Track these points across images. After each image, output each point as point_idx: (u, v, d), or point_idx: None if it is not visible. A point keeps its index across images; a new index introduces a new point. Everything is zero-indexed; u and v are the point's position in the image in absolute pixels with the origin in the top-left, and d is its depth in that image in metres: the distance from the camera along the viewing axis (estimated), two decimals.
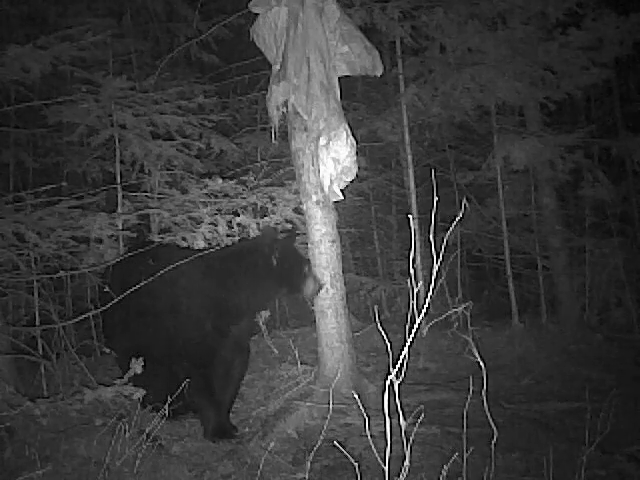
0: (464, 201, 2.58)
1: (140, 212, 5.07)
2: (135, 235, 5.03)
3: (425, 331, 5.89)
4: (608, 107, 8.60)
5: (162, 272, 3.74)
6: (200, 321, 3.87)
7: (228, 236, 5.19)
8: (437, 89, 6.56)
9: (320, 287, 4.22)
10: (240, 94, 7.45)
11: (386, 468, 2.04)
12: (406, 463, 2.07)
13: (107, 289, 3.97)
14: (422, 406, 3.37)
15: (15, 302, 4.94)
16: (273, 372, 4.97)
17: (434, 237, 2.22)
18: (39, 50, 4.03)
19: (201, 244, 4.99)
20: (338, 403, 4.03)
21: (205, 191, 5.10)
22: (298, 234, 4.83)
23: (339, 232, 4.60)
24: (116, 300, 3.70)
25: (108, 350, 4.56)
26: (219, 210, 5.15)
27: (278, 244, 4.02)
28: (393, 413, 2.00)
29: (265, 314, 5.42)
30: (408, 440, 2.03)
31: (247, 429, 4.03)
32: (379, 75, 4.68)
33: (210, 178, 5.19)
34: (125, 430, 3.27)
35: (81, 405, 3.53)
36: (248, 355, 4.24)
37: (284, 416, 4.00)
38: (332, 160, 4.25)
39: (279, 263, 3.97)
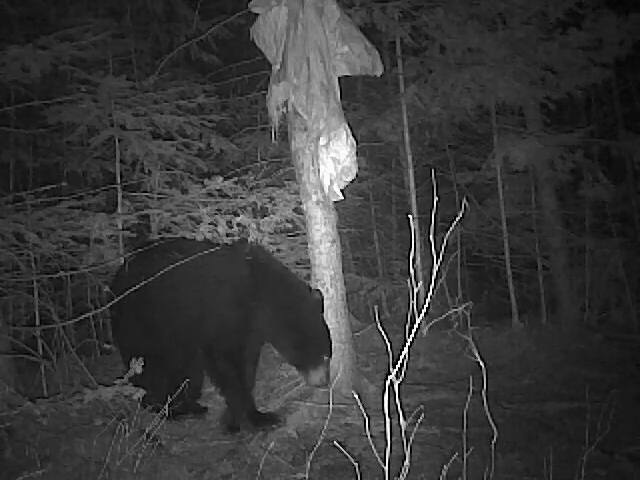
0: (464, 201, 2.57)
1: (140, 212, 5.07)
2: (135, 235, 5.03)
3: (425, 331, 5.89)
4: (608, 107, 8.59)
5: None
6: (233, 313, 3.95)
7: (228, 236, 5.19)
8: (437, 89, 6.56)
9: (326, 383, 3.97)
10: (240, 94, 7.44)
11: (386, 468, 2.04)
12: (406, 463, 2.07)
13: (107, 289, 3.96)
14: (422, 406, 3.37)
15: (15, 302, 4.94)
16: (273, 372, 4.97)
17: (434, 237, 2.21)
18: (39, 50, 4.03)
19: None
20: (338, 403, 4.03)
21: (205, 191, 5.11)
22: None
23: (339, 232, 4.60)
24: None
25: (109, 346, 4.56)
26: (219, 210, 5.15)
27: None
28: (393, 413, 1.99)
29: None
30: (408, 440, 2.02)
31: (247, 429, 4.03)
32: (379, 75, 4.68)
33: (210, 178, 5.20)
34: (125, 430, 3.26)
35: (81, 405, 3.53)
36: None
37: (284, 416, 4.00)
38: (332, 160, 4.25)
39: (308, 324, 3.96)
